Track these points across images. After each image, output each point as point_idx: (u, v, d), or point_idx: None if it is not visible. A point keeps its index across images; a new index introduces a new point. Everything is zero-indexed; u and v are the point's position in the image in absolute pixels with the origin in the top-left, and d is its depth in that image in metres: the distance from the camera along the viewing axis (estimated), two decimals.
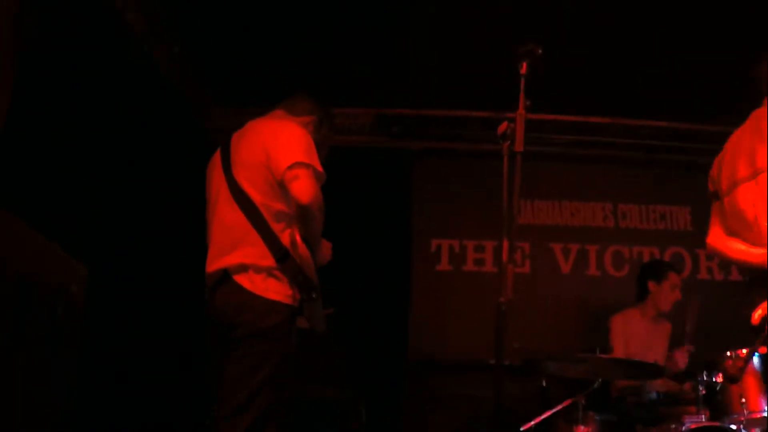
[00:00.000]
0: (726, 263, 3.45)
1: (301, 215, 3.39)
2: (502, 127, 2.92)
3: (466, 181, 6.40)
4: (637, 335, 5.48)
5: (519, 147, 2.84)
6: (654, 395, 5.27)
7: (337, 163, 5.77)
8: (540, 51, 2.96)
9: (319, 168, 3.43)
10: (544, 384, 4.65)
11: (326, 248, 3.73)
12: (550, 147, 6.50)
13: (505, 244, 2.74)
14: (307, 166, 3.36)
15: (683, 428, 3.98)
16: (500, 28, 5.08)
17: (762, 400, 4.29)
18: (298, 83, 3.96)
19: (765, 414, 4.24)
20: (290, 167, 3.34)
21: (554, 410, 4.36)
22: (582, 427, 4.27)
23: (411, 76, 5.84)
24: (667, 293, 5.55)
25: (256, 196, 3.42)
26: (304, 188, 3.31)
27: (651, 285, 5.62)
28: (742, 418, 4.19)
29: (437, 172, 6.66)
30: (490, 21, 5.14)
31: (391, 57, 5.60)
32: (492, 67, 4.31)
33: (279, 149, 3.41)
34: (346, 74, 5.52)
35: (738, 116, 6.21)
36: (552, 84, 5.18)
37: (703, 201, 6.71)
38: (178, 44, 5.32)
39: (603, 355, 4.86)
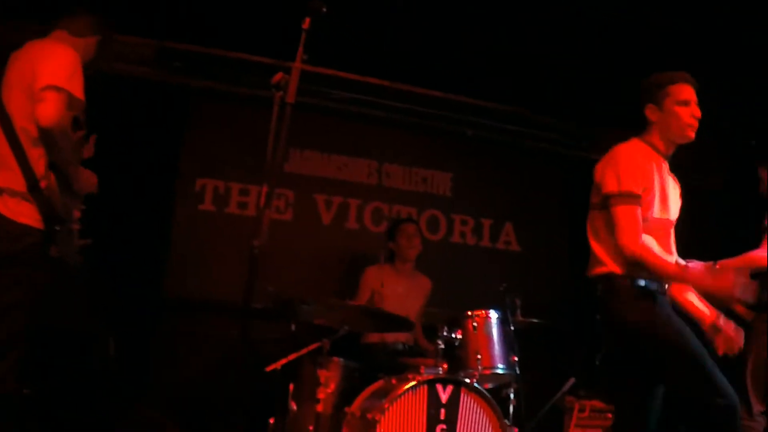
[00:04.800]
0: None
1: (42, 139, 3.34)
2: (277, 77, 2.99)
3: (241, 124, 6.33)
4: (393, 289, 5.73)
5: (291, 98, 2.93)
6: (400, 346, 5.59)
7: (111, 92, 5.62)
8: (325, 9, 3.05)
9: (78, 95, 3.39)
10: (293, 328, 4.78)
11: (89, 179, 3.68)
12: (327, 101, 6.59)
13: (264, 189, 2.83)
14: (59, 90, 3.31)
15: (419, 378, 4.23)
16: None
17: (495, 358, 4.69)
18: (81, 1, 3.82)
19: (498, 370, 4.66)
20: (43, 89, 3.29)
21: (299, 354, 4.51)
22: (325, 371, 4.41)
23: (199, 11, 5.72)
24: (405, 245, 5.86)
25: (18, 119, 3.37)
26: (48, 111, 3.26)
27: (391, 245, 5.94)
28: (476, 373, 4.56)
29: (214, 113, 6.53)
30: None
31: None
32: (280, 15, 4.35)
33: (41, 71, 3.34)
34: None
35: (507, 94, 6.69)
36: (336, 40, 5.31)
37: (463, 169, 7.17)
38: None
39: (352, 302, 5.08)
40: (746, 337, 3.72)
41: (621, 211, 3.47)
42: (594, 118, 7.04)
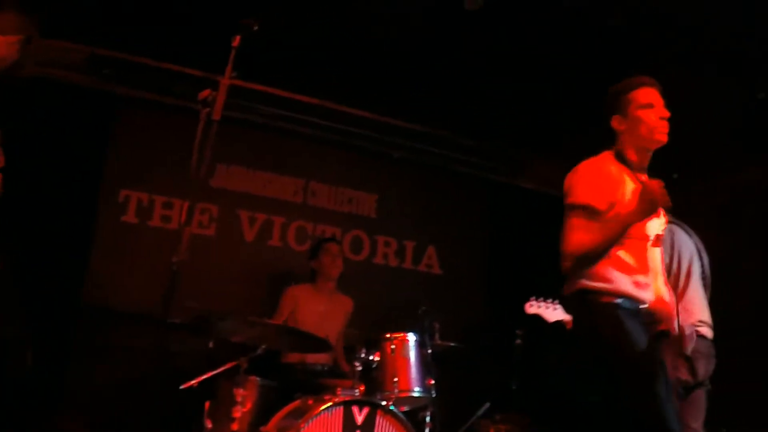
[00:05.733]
0: None
1: None
2: (204, 93, 2.99)
3: (169, 136, 6.26)
4: (313, 309, 5.73)
5: (217, 115, 2.94)
6: (319, 367, 5.57)
7: (39, 96, 5.52)
8: (256, 27, 3.06)
9: None
10: (211, 345, 4.74)
11: None
12: (256, 116, 6.58)
13: (186, 205, 2.81)
14: None
15: (336, 399, 4.24)
16: None
17: (412, 381, 4.71)
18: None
19: (414, 393, 4.68)
20: None
21: (216, 372, 4.47)
22: (241, 390, 4.37)
23: (133, 20, 5.65)
24: (327, 264, 5.86)
25: None
26: None
27: (313, 264, 5.93)
28: (393, 396, 4.57)
29: (141, 123, 6.45)
30: None
31: None
32: (213, 29, 4.34)
33: None
34: (64, 5, 5.22)
35: (435, 117, 6.76)
36: (267, 56, 5.31)
37: (389, 191, 7.22)
38: None
39: (271, 321, 5.05)
40: None
41: (572, 222, 3.37)
42: (520, 145, 7.18)
